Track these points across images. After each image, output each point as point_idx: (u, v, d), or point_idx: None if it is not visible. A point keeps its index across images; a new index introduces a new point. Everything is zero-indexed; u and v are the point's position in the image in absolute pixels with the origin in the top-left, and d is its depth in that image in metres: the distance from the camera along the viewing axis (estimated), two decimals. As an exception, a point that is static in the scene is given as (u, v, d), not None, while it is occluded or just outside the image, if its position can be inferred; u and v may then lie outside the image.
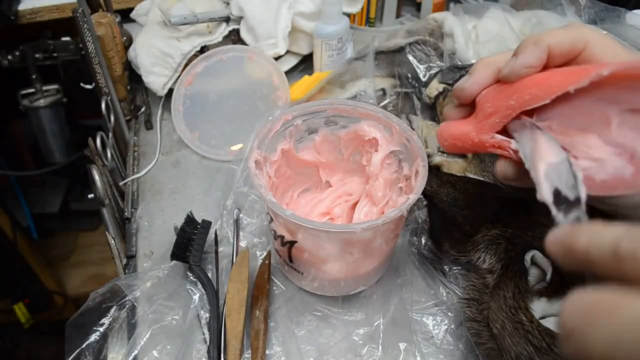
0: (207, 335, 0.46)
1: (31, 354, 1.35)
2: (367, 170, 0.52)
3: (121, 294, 0.48)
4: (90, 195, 1.38)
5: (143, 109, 0.73)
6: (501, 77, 0.34)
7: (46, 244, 1.42)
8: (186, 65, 0.69)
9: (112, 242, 0.51)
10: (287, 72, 0.74)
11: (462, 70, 0.59)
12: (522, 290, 0.40)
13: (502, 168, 0.36)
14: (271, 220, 0.45)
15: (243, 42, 0.74)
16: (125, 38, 0.71)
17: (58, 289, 1.36)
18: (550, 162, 0.29)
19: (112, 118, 0.63)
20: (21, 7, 0.79)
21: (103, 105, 0.61)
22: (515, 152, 0.33)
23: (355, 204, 0.54)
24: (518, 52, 0.33)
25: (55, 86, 0.99)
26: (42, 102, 0.98)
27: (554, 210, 0.27)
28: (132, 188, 0.62)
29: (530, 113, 0.34)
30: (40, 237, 1.38)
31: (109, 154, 0.58)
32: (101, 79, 0.61)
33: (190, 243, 0.51)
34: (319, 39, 0.70)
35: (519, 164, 0.34)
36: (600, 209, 0.37)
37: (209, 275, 0.50)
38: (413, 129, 0.53)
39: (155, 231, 0.57)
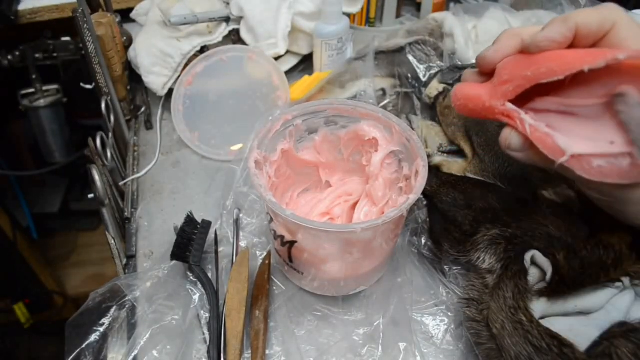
0: (207, 335, 0.46)
1: (31, 354, 1.35)
2: (367, 170, 0.52)
3: (121, 294, 0.48)
4: (90, 195, 1.38)
5: (143, 109, 0.73)
6: (524, 46, 0.34)
7: (46, 244, 1.42)
8: (186, 65, 0.69)
9: (112, 242, 0.51)
10: (287, 72, 0.74)
11: (462, 70, 0.59)
12: (522, 290, 0.40)
13: (507, 136, 0.35)
14: (271, 220, 0.45)
15: (243, 42, 0.74)
16: (125, 38, 0.71)
17: (58, 289, 1.36)
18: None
19: (112, 118, 0.63)
20: (21, 7, 0.79)
21: (103, 105, 0.61)
22: (522, 122, 0.33)
23: (355, 204, 0.54)
24: (546, 26, 0.33)
25: (55, 86, 0.99)
26: (42, 102, 0.98)
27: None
28: (132, 188, 0.62)
29: (547, 92, 0.34)
30: (40, 237, 1.38)
31: (109, 154, 0.58)
32: (101, 79, 0.61)
33: (190, 243, 0.51)
34: (319, 39, 0.70)
35: (524, 136, 0.34)
36: (597, 198, 0.37)
37: (209, 275, 0.50)
38: (413, 129, 0.53)
39: (155, 231, 0.57)
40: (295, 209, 0.54)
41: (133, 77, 0.72)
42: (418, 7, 0.92)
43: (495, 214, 0.46)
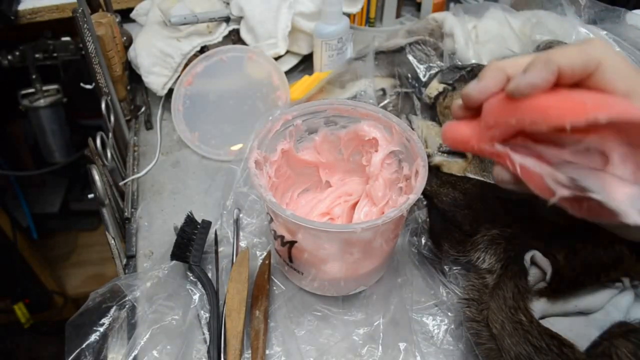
0: (207, 335, 0.46)
1: (31, 354, 1.35)
2: (367, 170, 0.52)
3: (121, 294, 0.48)
4: (90, 195, 1.38)
5: (143, 109, 0.73)
6: (507, 92, 0.33)
7: (46, 244, 1.42)
8: (186, 65, 0.69)
9: (112, 242, 0.51)
10: (287, 72, 0.74)
11: (462, 70, 0.59)
12: (521, 290, 0.40)
13: (499, 172, 0.37)
14: (271, 220, 0.45)
15: (243, 42, 0.74)
16: (125, 38, 0.71)
17: (58, 289, 1.36)
18: (627, 191, 0.29)
19: (112, 118, 0.63)
20: (21, 7, 0.79)
21: (103, 105, 0.61)
22: (512, 162, 0.34)
23: (355, 204, 0.54)
24: (527, 69, 0.32)
25: (55, 86, 0.99)
26: (42, 102, 0.98)
27: None
28: (132, 188, 0.62)
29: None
30: (40, 237, 1.38)
31: (109, 154, 0.58)
32: (101, 79, 0.61)
33: (190, 243, 0.51)
34: (319, 39, 0.70)
35: (515, 172, 0.35)
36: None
37: (209, 275, 0.50)
38: (413, 129, 0.53)
39: (155, 231, 0.57)
40: (295, 209, 0.54)
41: (133, 77, 0.73)
42: (418, 7, 0.92)
43: (495, 213, 0.46)
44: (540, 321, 0.39)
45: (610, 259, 0.40)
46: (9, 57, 0.90)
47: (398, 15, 0.92)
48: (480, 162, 0.52)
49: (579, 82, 0.33)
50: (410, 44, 0.64)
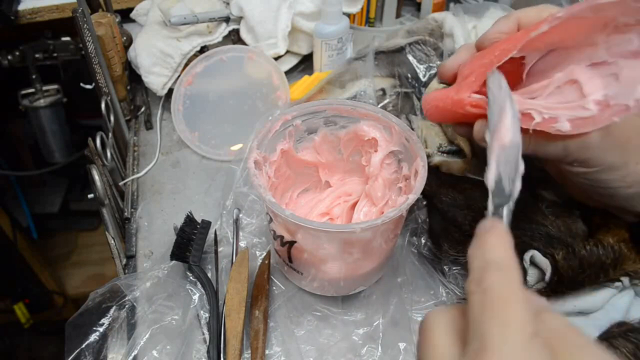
0: (206, 335, 0.46)
1: (31, 354, 1.35)
2: (366, 171, 0.52)
3: (121, 294, 0.48)
4: (90, 195, 1.38)
5: (143, 109, 0.73)
6: (477, 44, 0.39)
7: (46, 244, 1.42)
8: (186, 65, 0.69)
9: (112, 242, 0.51)
10: (287, 72, 0.74)
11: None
12: (521, 290, 0.40)
13: (480, 128, 0.36)
14: (271, 220, 0.45)
15: (243, 42, 0.74)
16: (125, 38, 0.71)
17: (58, 289, 1.36)
18: (504, 143, 0.29)
19: (112, 118, 0.63)
20: (21, 7, 0.79)
21: (103, 105, 0.61)
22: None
23: (355, 204, 0.54)
24: (492, 25, 0.38)
25: (55, 86, 0.99)
26: (42, 102, 0.98)
27: (490, 200, 0.27)
28: (132, 188, 0.62)
29: (520, 73, 0.37)
30: (40, 237, 1.38)
31: (108, 154, 0.58)
32: (101, 79, 0.61)
33: (190, 243, 0.51)
34: (319, 39, 0.70)
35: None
36: (599, 194, 0.37)
37: (209, 275, 0.50)
38: (413, 129, 0.53)
39: (155, 231, 0.57)
40: (295, 209, 0.54)
41: (133, 77, 0.73)
42: (418, 7, 0.92)
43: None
44: (540, 321, 0.39)
45: (610, 258, 0.40)
46: (9, 57, 0.90)
47: (398, 15, 0.92)
48: (480, 162, 0.52)
49: None
50: (410, 44, 0.64)
